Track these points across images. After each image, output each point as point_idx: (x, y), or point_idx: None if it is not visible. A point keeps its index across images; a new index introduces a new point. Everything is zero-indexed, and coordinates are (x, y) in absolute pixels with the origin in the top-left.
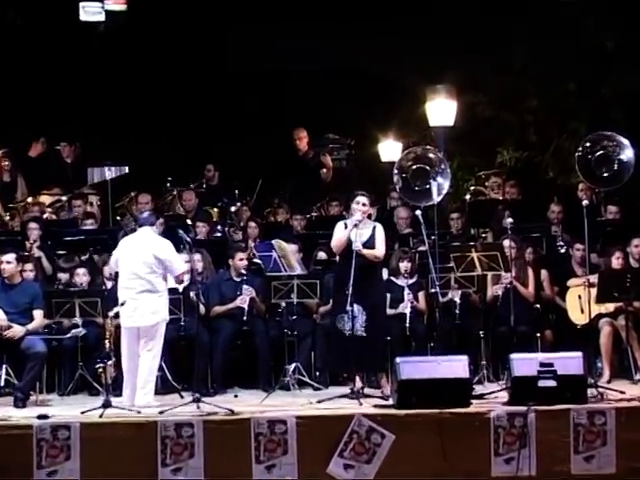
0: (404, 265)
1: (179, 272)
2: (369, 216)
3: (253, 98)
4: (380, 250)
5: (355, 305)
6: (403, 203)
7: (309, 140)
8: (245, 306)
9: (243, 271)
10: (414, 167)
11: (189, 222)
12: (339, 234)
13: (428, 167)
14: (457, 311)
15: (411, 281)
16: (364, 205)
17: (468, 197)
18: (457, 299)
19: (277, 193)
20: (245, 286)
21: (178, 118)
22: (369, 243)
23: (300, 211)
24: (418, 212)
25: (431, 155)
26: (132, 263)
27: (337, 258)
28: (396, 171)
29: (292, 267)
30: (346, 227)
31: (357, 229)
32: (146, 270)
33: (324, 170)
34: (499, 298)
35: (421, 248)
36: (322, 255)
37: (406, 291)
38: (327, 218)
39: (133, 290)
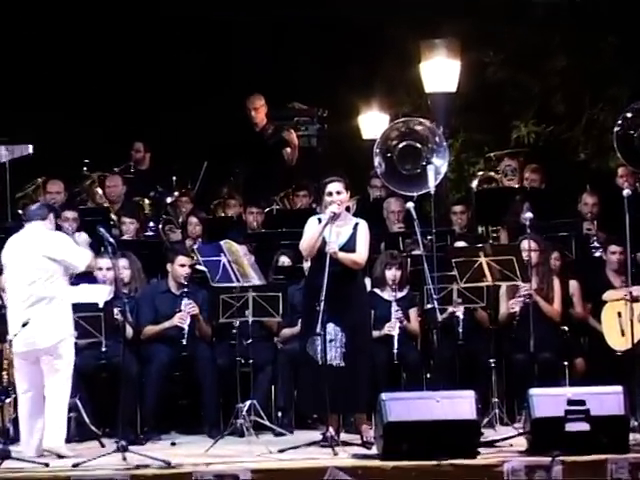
0: (392, 273)
1: (84, 265)
2: (348, 208)
3: (194, 55)
4: (361, 254)
5: (331, 325)
6: (390, 193)
7: (268, 111)
8: (185, 326)
9: (183, 281)
10: (401, 145)
11: (113, 217)
12: (311, 233)
13: (419, 144)
14: (460, 332)
15: (400, 294)
16: (338, 193)
17: (475, 185)
18: (460, 317)
19: (227, 180)
20: (186, 300)
21: (96, 81)
22: (349, 245)
23: (257, 203)
24: (410, 204)
25: (421, 128)
26: (20, 269)
27: (306, 264)
28: (377, 151)
29: (247, 276)
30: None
31: (333, 225)
32: (38, 276)
33: (288, 150)
34: (515, 316)
35: (414, 251)
36: (285, 260)
37: (394, 307)
38: (292, 212)
39: (25, 303)
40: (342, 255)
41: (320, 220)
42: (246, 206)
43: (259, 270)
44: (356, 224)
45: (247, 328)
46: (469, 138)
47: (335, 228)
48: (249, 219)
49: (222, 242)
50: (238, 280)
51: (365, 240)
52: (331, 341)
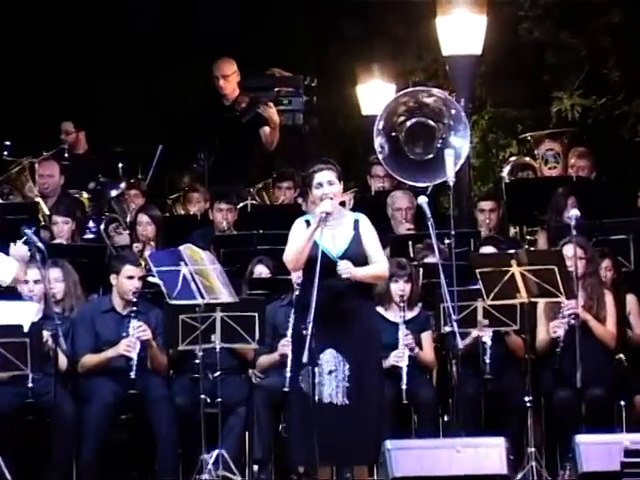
0: (399, 287)
1: (9, 277)
2: (342, 203)
3: (145, 8)
4: (381, 264)
5: (331, 353)
6: (396, 184)
7: (240, 80)
8: (134, 355)
9: (131, 297)
10: (409, 123)
11: (45, 213)
12: (297, 240)
13: (432, 121)
14: (487, 362)
15: (410, 314)
16: (330, 184)
17: (506, 174)
18: (488, 344)
19: (188, 167)
20: (135, 322)
21: (18, 41)
22: (352, 251)
23: (227, 197)
24: (422, 199)
25: (435, 100)
26: None
27: (295, 276)
28: (380, 130)
29: (214, 291)
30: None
31: (325, 227)
32: None
33: (266, 129)
34: (558, 342)
35: (428, 259)
36: (262, 271)
37: (402, 331)
38: (271, 209)
39: None
40: (362, 274)
41: (309, 223)
42: (213, 201)
43: (229, 283)
44: (356, 222)
45: (214, 357)
46: (498, 114)
47: (327, 230)
48: (217, 218)
49: (182, 247)
50: (202, 296)
51: (377, 240)
52: (331, 372)
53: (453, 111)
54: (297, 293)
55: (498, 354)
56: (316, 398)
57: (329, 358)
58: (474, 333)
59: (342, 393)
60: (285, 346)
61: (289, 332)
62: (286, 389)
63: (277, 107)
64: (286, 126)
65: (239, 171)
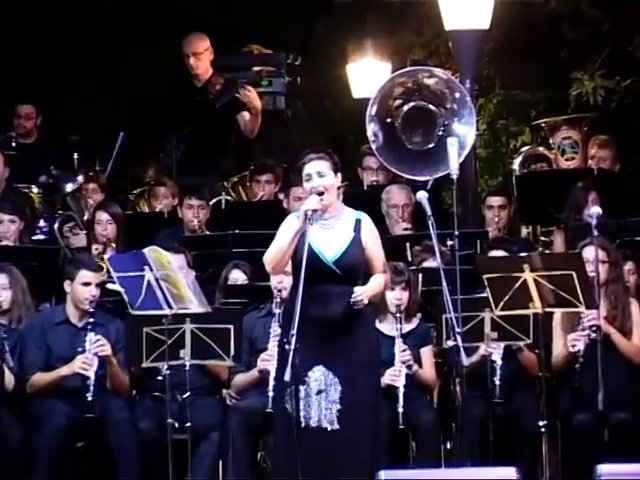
0: (395, 296)
1: None
2: (338, 193)
3: None
4: (385, 273)
5: (319, 370)
6: (391, 178)
7: (214, 58)
8: (91, 374)
9: (88, 307)
10: (407, 108)
11: None
12: (280, 238)
13: (433, 106)
14: (497, 383)
15: (408, 326)
16: (321, 176)
17: (517, 166)
18: (498, 361)
19: (154, 157)
20: (92, 336)
21: None
22: (349, 255)
23: (198, 192)
24: (422, 195)
25: (436, 82)
26: None
27: (274, 282)
28: (373, 115)
29: (183, 300)
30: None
31: (317, 226)
32: None
33: (244, 115)
34: (577, 358)
35: (428, 263)
36: (239, 277)
37: (398, 346)
38: (248, 206)
39: None
40: (372, 291)
41: (310, 219)
42: (182, 197)
43: (201, 291)
44: (357, 222)
45: (183, 376)
46: (509, 97)
47: (322, 230)
48: (187, 216)
49: (147, 250)
50: (170, 306)
51: (380, 246)
52: (320, 393)
53: (457, 94)
54: (277, 300)
55: (509, 372)
56: (302, 421)
57: (318, 376)
58: (482, 349)
59: (332, 417)
60: (266, 361)
61: (270, 345)
62: (269, 410)
63: (256, 89)
64: (266, 111)
65: (212, 162)
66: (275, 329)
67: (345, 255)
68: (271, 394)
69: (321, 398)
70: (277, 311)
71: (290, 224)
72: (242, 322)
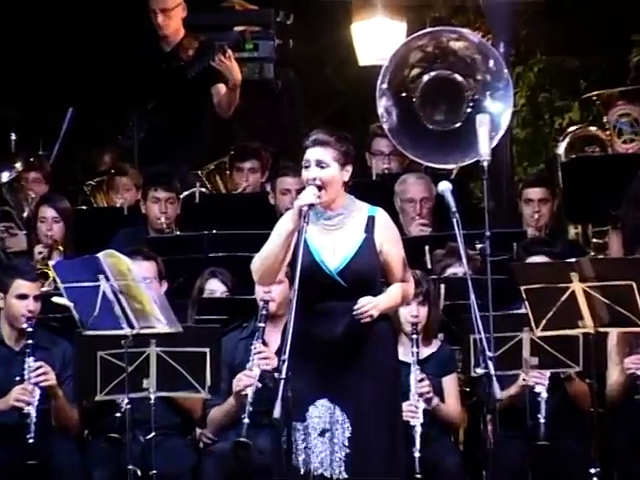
0: (411, 312)
1: None
2: (345, 188)
3: None
4: (407, 280)
5: (324, 404)
6: (407, 166)
7: (186, 16)
8: (32, 410)
9: (26, 326)
10: (427, 78)
11: None
12: (273, 239)
13: (459, 76)
14: (541, 421)
15: (427, 350)
16: (321, 166)
17: (563, 151)
18: (543, 395)
19: (111, 140)
20: (31, 362)
21: None
22: (358, 263)
23: (166, 183)
24: (444, 187)
25: (464, 46)
26: None
27: (260, 293)
28: (385, 88)
29: (147, 316)
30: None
31: (317, 223)
32: None
33: (219, 88)
34: (638, 387)
35: (453, 269)
36: (217, 288)
37: (415, 374)
38: (228, 199)
39: None
40: (387, 306)
41: (304, 217)
42: (146, 188)
43: (169, 306)
44: (370, 219)
45: (147, 412)
46: (553, 64)
47: (323, 232)
48: (152, 212)
49: (102, 254)
50: (131, 324)
51: (400, 248)
52: (324, 433)
53: (491, 62)
54: (263, 313)
55: (553, 407)
56: (301, 469)
57: (322, 412)
58: (520, 378)
59: (339, 463)
60: (244, 380)
61: (250, 364)
62: (242, 439)
63: (239, 54)
64: (250, 82)
65: (183, 145)
66: (257, 346)
67: (352, 263)
68: (246, 421)
69: (325, 440)
70: (261, 325)
71: (285, 223)
72: (221, 344)
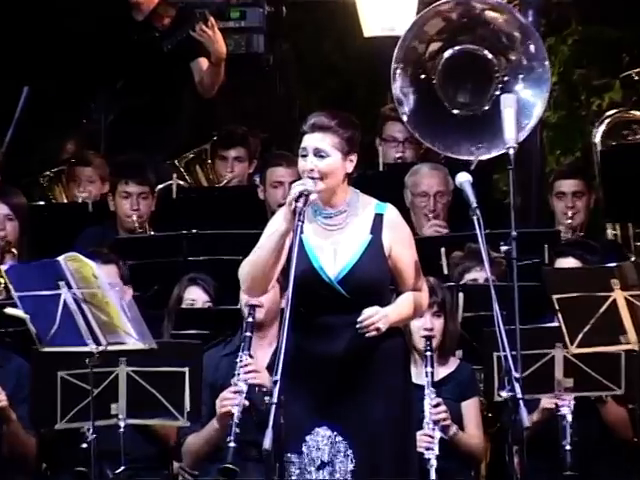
0: (424, 326)
1: None
2: (349, 180)
3: None
4: (421, 288)
5: (324, 433)
6: (422, 155)
7: None
8: None
9: None
10: (448, 54)
11: None
12: (263, 241)
13: (489, 51)
14: (567, 448)
15: (444, 370)
16: (320, 155)
17: (601, 137)
18: (566, 416)
19: (73, 124)
20: None
21: None
22: (362, 269)
23: (138, 174)
24: (463, 179)
25: (494, 16)
26: None
27: (244, 302)
28: (400, 67)
29: (116, 330)
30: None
31: (317, 221)
32: None
33: (200, 63)
34: None
35: (472, 276)
36: (196, 297)
37: (429, 399)
38: (210, 193)
39: None
40: (398, 318)
41: (300, 214)
42: (115, 181)
43: (142, 319)
44: (378, 217)
45: (116, 442)
46: (590, 36)
47: (323, 234)
48: (122, 208)
49: (63, 258)
50: (97, 340)
51: (413, 249)
52: (324, 466)
53: (532, 45)
54: (249, 320)
55: (588, 436)
56: None
57: (321, 442)
58: (548, 401)
59: None
60: (227, 400)
61: (235, 379)
62: (228, 465)
63: (223, 24)
64: (237, 56)
65: (157, 131)
66: (243, 358)
67: (356, 269)
68: (233, 445)
69: (325, 474)
70: (247, 335)
71: (276, 223)
72: (202, 363)
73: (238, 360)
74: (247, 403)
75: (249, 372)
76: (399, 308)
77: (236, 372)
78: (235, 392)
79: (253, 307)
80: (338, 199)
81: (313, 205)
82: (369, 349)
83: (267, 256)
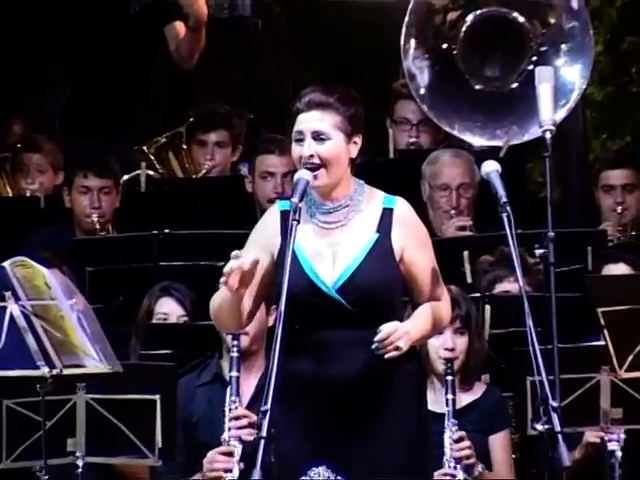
0: (445, 345)
1: None
2: (352, 168)
3: None
4: (443, 301)
5: (323, 472)
6: (441, 139)
7: None
8: None
9: None
10: (471, 19)
11: None
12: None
13: (522, 17)
14: None
15: (468, 397)
16: (320, 138)
17: None
18: (616, 452)
19: (22, 103)
20: None
21: None
22: (364, 275)
23: (98, 163)
24: (491, 169)
25: None
26: None
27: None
28: (412, 37)
29: (72, 350)
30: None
31: (296, 227)
32: None
33: (176, 28)
34: None
35: (503, 286)
36: (169, 310)
37: (450, 431)
38: (187, 185)
39: None
40: (419, 333)
41: (294, 211)
42: (73, 173)
43: (104, 337)
44: (386, 212)
45: None
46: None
47: (320, 234)
48: (80, 205)
49: (9, 263)
50: (50, 363)
51: (430, 249)
52: None
53: (570, 3)
54: (235, 350)
55: (633, 470)
56: None
57: None
58: (592, 435)
59: None
60: (221, 463)
61: (226, 435)
62: None
63: None
64: (219, 20)
65: (123, 111)
66: (232, 408)
67: (358, 275)
68: None
69: None
70: (234, 374)
71: (265, 228)
72: (176, 389)
73: (227, 408)
74: (242, 466)
75: (242, 427)
76: (420, 323)
77: (226, 426)
78: (226, 453)
79: (236, 337)
80: (340, 191)
81: (308, 200)
82: (377, 372)
83: (228, 306)
